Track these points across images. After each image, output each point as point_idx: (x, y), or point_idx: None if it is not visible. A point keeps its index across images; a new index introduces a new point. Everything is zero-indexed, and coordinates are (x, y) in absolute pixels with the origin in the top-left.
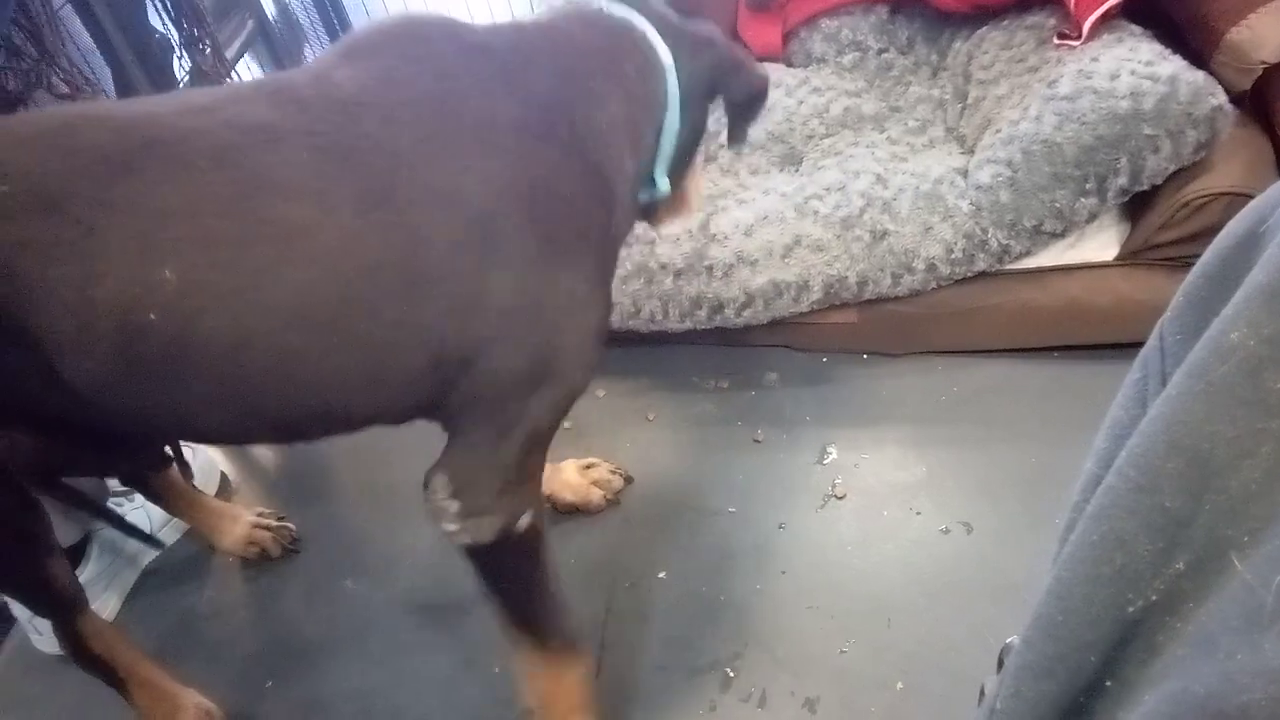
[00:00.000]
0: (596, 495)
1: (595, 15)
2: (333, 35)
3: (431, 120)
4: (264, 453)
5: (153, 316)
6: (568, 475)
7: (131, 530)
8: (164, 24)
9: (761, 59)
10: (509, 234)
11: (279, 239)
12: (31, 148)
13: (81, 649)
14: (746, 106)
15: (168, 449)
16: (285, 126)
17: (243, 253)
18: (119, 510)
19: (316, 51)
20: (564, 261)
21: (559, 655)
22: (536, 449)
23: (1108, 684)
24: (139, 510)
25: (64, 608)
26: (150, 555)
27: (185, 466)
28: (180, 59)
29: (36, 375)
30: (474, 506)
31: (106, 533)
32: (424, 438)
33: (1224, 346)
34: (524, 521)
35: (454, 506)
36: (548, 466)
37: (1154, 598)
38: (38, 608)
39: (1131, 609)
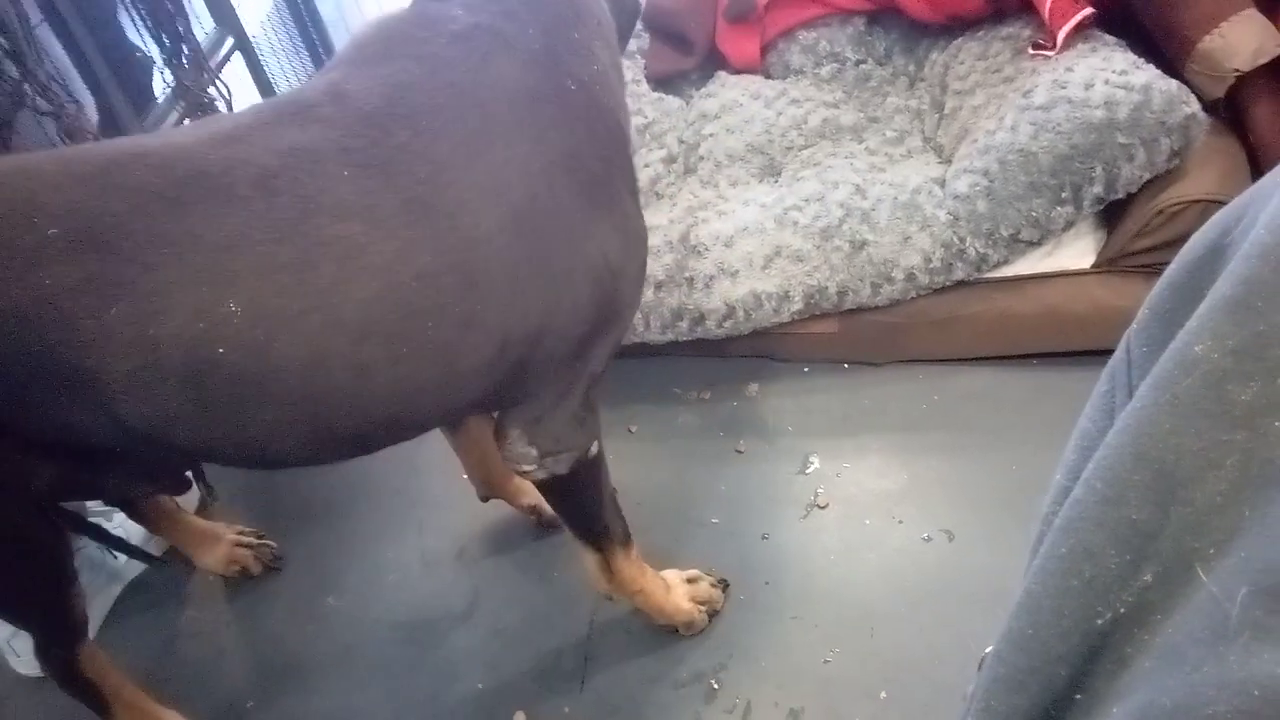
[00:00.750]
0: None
1: None
2: (312, 50)
3: (459, 122)
4: (244, 470)
5: (221, 350)
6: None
7: (124, 546)
8: (143, 40)
9: (739, 71)
10: (557, 206)
11: (337, 258)
12: (77, 188)
13: (73, 674)
14: (630, 17)
15: (189, 472)
16: (320, 147)
17: (305, 275)
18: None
19: (297, 67)
20: (609, 207)
21: (623, 544)
22: (597, 387)
23: (1077, 697)
24: (118, 529)
25: (72, 635)
26: (131, 573)
27: (209, 488)
28: (161, 75)
29: (90, 413)
30: (551, 448)
31: (88, 550)
32: (400, 456)
33: (1188, 359)
34: (594, 450)
35: (532, 452)
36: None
37: (1122, 610)
38: (48, 634)
39: (1100, 621)
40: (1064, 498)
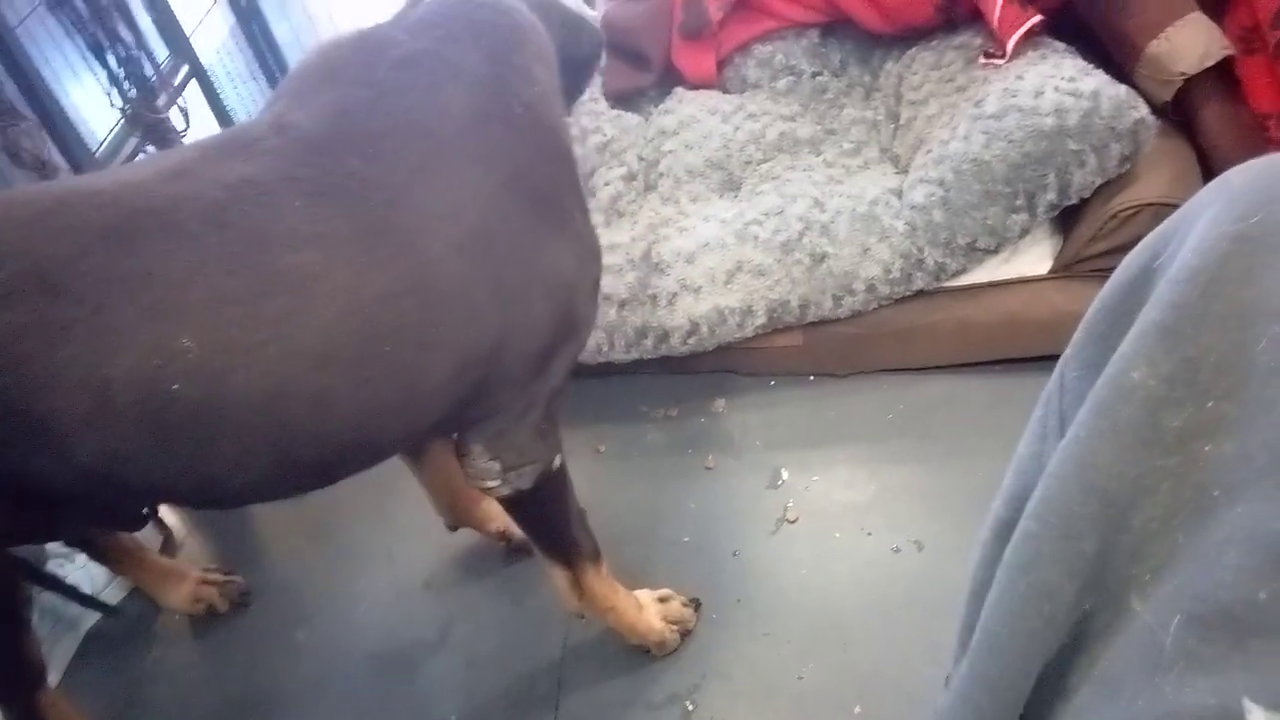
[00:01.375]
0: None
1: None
2: (269, 76)
3: (409, 147)
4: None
5: (176, 386)
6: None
7: (75, 595)
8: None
9: (697, 87)
10: (509, 226)
11: (292, 287)
12: (25, 230)
13: None
14: (587, 61)
15: (145, 510)
16: (268, 178)
17: (260, 306)
18: (60, 571)
19: (255, 92)
20: (560, 224)
21: (593, 561)
22: (558, 400)
23: None
24: (81, 570)
25: (29, 684)
26: (92, 618)
27: (165, 527)
28: (110, 97)
29: (44, 456)
30: (514, 462)
31: (46, 597)
32: (366, 486)
33: (1126, 386)
34: (556, 462)
35: (495, 467)
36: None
37: (1066, 640)
38: (3, 681)
39: (1049, 654)
40: (1005, 527)
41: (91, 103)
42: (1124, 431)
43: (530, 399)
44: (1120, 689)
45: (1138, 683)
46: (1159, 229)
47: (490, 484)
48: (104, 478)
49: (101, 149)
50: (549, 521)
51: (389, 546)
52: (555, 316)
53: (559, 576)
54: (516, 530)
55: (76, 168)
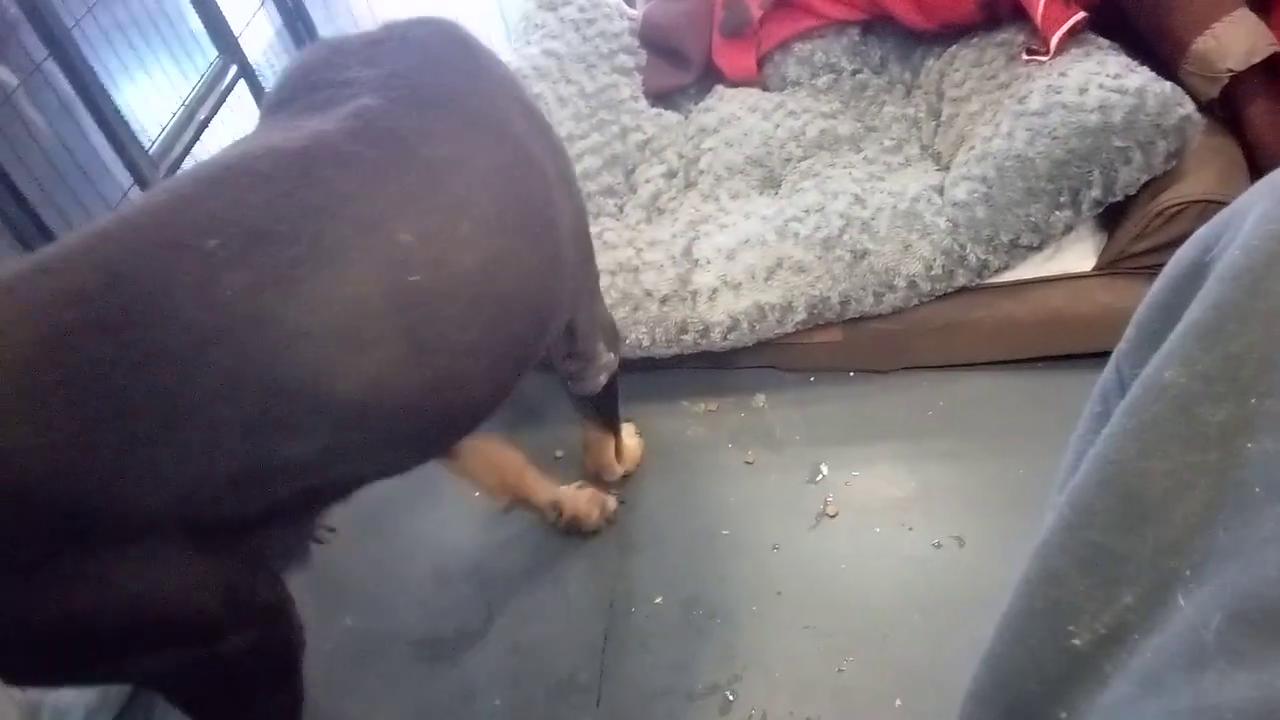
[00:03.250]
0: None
1: (424, 19)
2: None
3: (499, 175)
4: None
5: (415, 277)
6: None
7: None
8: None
9: (737, 84)
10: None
11: (450, 175)
12: (220, 197)
13: None
14: None
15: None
16: (376, 104)
17: (436, 196)
18: None
19: None
20: (568, 190)
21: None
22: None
23: (1061, 715)
24: None
25: None
26: None
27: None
28: None
29: (294, 422)
30: (615, 343)
31: None
32: (412, 477)
33: (1157, 385)
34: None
35: (610, 355)
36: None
37: (1102, 631)
38: None
39: (1078, 641)
40: None
41: (144, 101)
42: (1150, 429)
43: (593, 302)
44: (1162, 686)
45: (1179, 680)
46: (1211, 223)
47: (604, 362)
48: (357, 421)
49: (154, 147)
50: (616, 396)
51: (435, 535)
52: (581, 251)
53: (610, 448)
54: (568, 502)
55: (132, 167)
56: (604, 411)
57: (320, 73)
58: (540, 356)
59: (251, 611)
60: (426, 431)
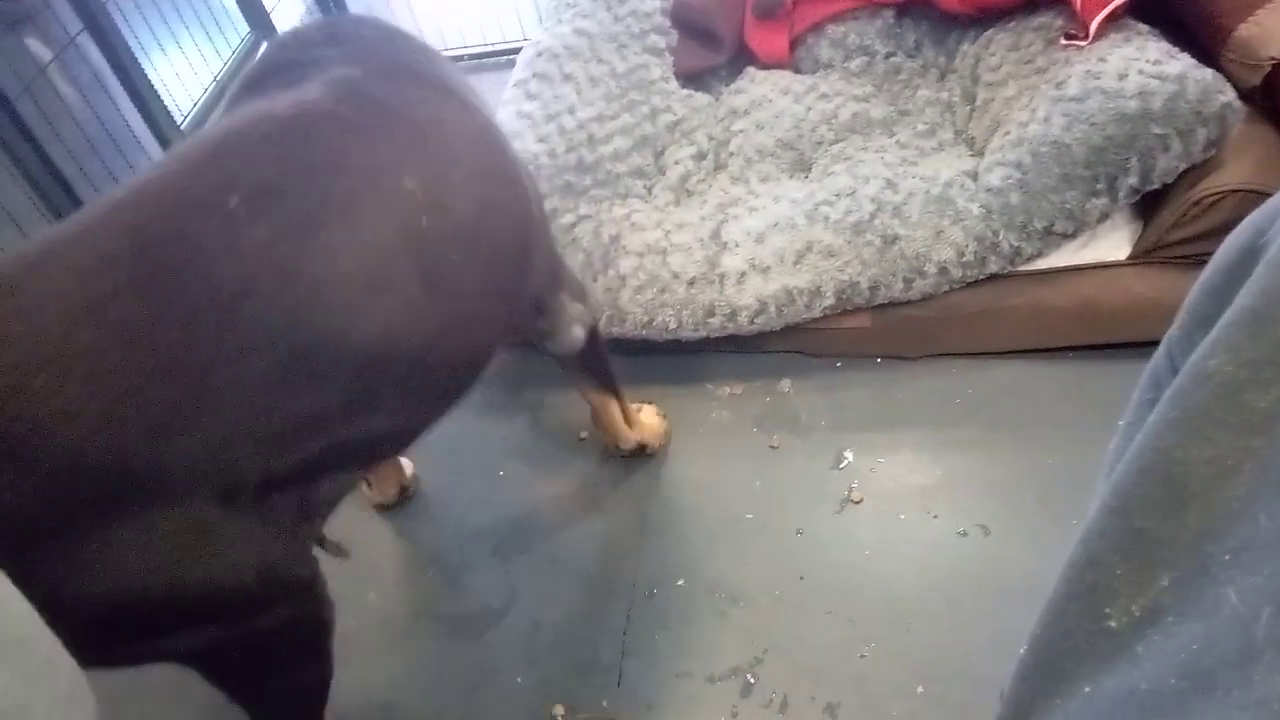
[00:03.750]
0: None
1: (357, 18)
2: None
3: (473, 135)
4: None
5: (425, 221)
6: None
7: None
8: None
9: (768, 66)
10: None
11: (436, 129)
12: (233, 155)
13: None
14: None
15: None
16: (357, 75)
17: (426, 144)
18: None
19: None
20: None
21: (622, 393)
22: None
23: (1085, 689)
24: None
25: None
26: None
27: None
28: None
29: (317, 371)
30: (584, 298)
31: None
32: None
33: (1201, 374)
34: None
35: (579, 306)
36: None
37: (1137, 613)
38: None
39: (1113, 623)
40: None
41: (176, 76)
42: (1193, 416)
43: (552, 255)
44: (1214, 684)
45: (1230, 676)
46: (1263, 208)
47: (579, 316)
48: (378, 366)
49: (186, 121)
50: (605, 357)
51: (457, 514)
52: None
53: (614, 408)
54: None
55: (164, 141)
56: (595, 372)
57: (287, 55)
58: (522, 310)
59: (287, 588)
60: (438, 378)
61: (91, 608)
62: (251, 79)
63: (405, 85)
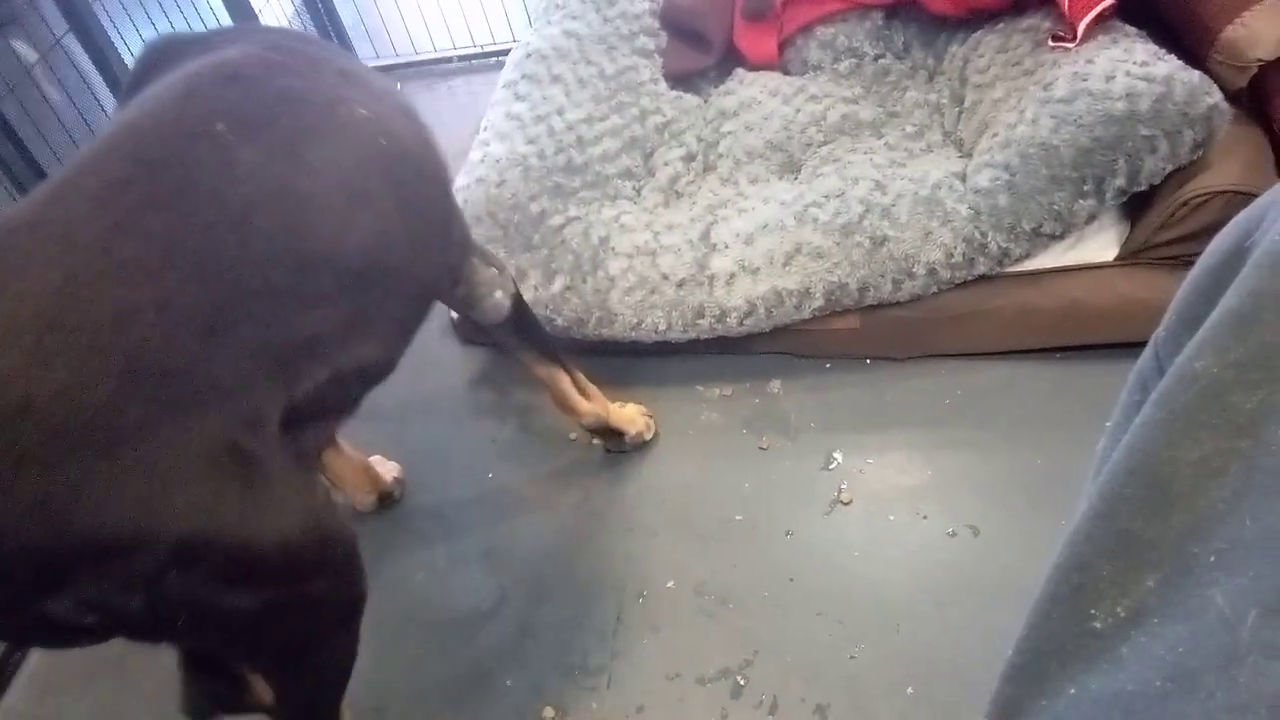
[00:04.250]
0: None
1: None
2: None
3: (386, 88)
4: None
5: (383, 141)
6: (630, 411)
7: None
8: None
9: (757, 68)
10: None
11: (367, 82)
12: (211, 97)
13: None
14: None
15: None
16: (263, 52)
17: (369, 83)
18: None
19: None
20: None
21: (568, 363)
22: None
23: (1070, 691)
24: None
25: None
26: None
27: None
28: None
29: (316, 290)
30: (501, 266)
31: None
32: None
33: (1187, 375)
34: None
35: (493, 271)
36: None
37: (1122, 614)
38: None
39: (1098, 624)
40: None
41: None
42: (1179, 418)
43: (465, 230)
44: (1197, 684)
45: (1215, 678)
46: (1250, 208)
47: (499, 290)
48: (367, 282)
49: None
50: (538, 326)
51: (448, 516)
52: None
53: (564, 380)
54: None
55: None
56: (532, 342)
57: (177, 50)
58: (450, 264)
59: (331, 543)
60: (409, 301)
61: (151, 548)
62: (139, 78)
63: (318, 48)
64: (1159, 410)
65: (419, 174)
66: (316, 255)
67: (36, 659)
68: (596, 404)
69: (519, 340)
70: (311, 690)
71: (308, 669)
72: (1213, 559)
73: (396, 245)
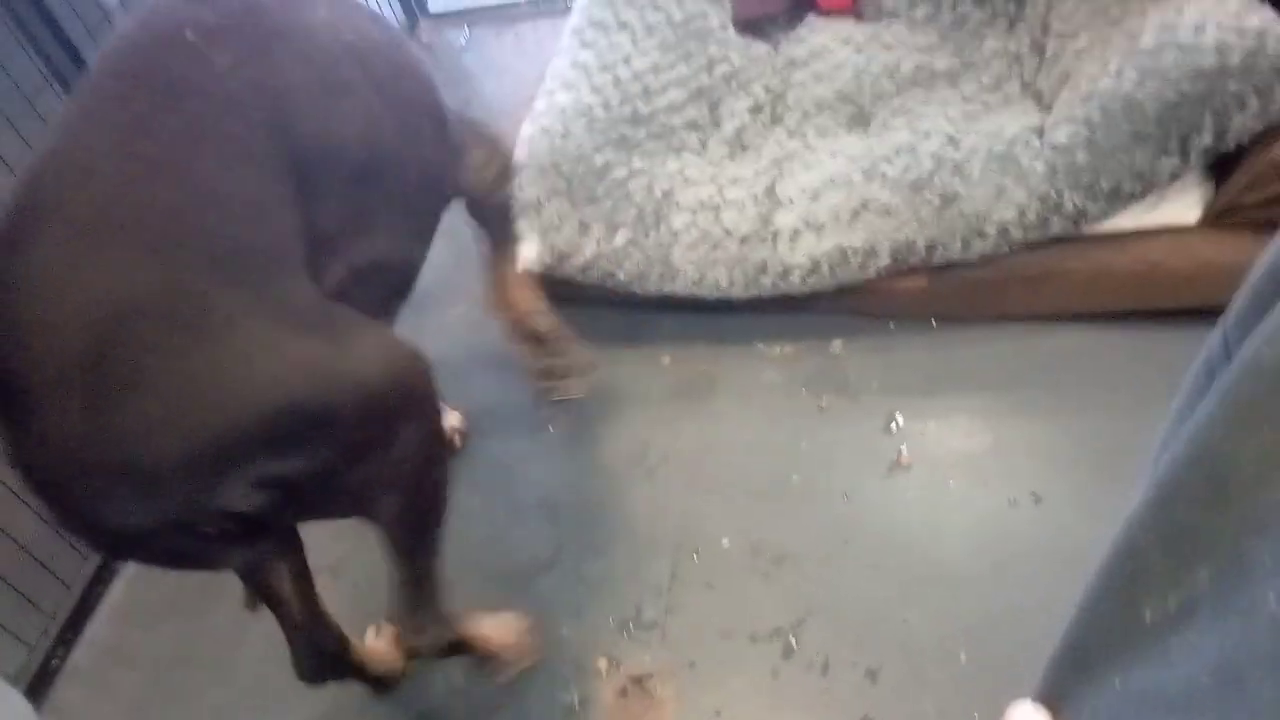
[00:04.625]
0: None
1: None
2: None
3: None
4: None
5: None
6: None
7: None
8: None
9: (830, 14)
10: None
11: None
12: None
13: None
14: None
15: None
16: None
17: None
18: None
19: None
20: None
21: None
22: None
23: (1116, 680)
24: None
25: None
26: None
27: None
28: None
29: (334, 182)
30: (496, 146)
31: None
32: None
33: (1254, 367)
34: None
35: (484, 153)
36: None
37: (1172, 609)
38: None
39: (1147, 616)
40: None
41: None
42: (1245, 410)
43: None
44: (1245, 680)
45: (1262, 674)
46: None
47: (494, 161)
48: (364, 174)
49: None
50: (511, 207)
51: (508, 466)
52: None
53: (503, 273)
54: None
55: None
56: (501, 222)
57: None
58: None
59: (410, 375)
60: (410, 194)
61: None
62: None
63: None
64: (1222, 400)
65: (395, 66)
66: (308, 149)
67: (120, 592)
68: (511, 310)
69: (493, 214)
70: (425, 519)
71: (421, 498)
72: (1268, 559)
73: (385, 133)
